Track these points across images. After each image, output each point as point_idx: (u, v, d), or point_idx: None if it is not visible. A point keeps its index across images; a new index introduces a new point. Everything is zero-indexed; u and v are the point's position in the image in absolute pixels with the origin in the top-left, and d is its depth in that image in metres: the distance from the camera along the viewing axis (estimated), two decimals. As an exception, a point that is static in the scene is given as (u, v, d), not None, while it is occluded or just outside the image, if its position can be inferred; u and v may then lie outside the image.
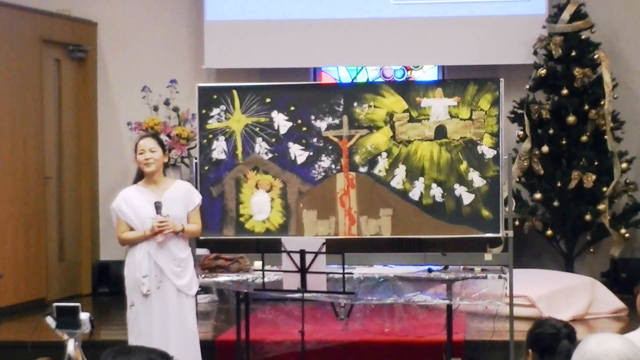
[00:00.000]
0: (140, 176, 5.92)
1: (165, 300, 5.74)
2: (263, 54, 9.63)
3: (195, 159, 6.88)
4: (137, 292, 5.73)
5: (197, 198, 6.00)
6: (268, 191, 6.80)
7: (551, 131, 8.95)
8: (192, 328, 5.88)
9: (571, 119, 8.93)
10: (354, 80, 10.02)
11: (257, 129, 6.81)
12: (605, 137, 8.94)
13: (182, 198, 5.89)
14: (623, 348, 2.85)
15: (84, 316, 5.21)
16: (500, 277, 6.27)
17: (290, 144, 6.80)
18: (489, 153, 6.62)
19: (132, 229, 5.79)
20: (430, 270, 6.39)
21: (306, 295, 5.76)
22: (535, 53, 9.22)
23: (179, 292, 5.79)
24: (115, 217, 5.85)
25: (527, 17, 9.35)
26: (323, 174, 6.77)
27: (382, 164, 6.71)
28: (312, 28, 9.62)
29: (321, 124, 6.77)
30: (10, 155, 8.78)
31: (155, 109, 9.43)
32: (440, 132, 6.66)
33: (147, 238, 5.72)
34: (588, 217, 8.91)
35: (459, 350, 6.78)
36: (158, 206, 5.74)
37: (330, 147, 6.76)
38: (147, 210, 5.76)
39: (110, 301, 9.47)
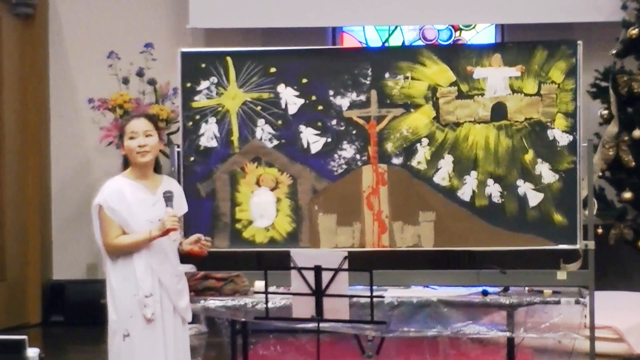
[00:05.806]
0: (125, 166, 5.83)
1: (163, 328, 5.71)
2: (266, 10, 9.64)
3: (178, 147, 6.90)
4: (136, 318, 5.68)
5: (185, 204, 5.94)
6: (273, 189, 6.83)
7: (645, 110, 8.97)
8: None
9: (672, 94, 8.96)
10: (386, 44, 10.02)
11: (259, 108, 6.84)
12: None
13: (176, 197, 5.82)
14: None
15: (32, 353, 5.24)
16: (577, 302, 6.29)
17: (302, 128, 6.82)
18: (563, 139, 6.64)
19: (124, 234, 5.72)
20: (485, 293, 6.41)
21: (322, 325, 5.79)
22: (624, 7, 9.21)
23: (176, 317, 5.77)
24: (98, 217, 5.73)
25: (613, -41, 9.36)
26: (345, 166, 6.80)
27: (422, 153, 6.73)
28: (330, -25, 9.66)
29: (342, 102, 6.80)
30: None
31: (125, 81, 9.46)
32: (499, 111, 6.68)
33: (151, 241, 5.64)
34: (694, 223, 8.93)
35: (523, 397, 6.81)
36: (169, 196, 5.63)
37: (354, 132, 6.79)
38: (143, 211, 5.67)
39: (65, 333, 9.51)
